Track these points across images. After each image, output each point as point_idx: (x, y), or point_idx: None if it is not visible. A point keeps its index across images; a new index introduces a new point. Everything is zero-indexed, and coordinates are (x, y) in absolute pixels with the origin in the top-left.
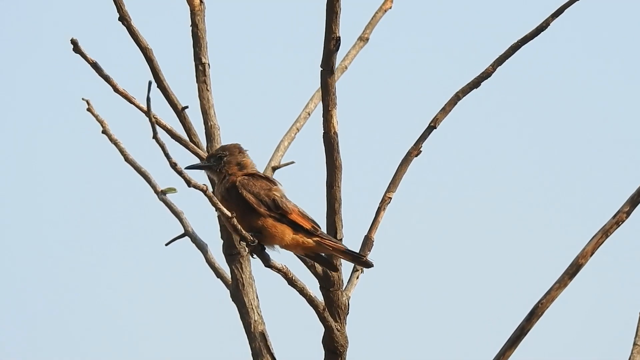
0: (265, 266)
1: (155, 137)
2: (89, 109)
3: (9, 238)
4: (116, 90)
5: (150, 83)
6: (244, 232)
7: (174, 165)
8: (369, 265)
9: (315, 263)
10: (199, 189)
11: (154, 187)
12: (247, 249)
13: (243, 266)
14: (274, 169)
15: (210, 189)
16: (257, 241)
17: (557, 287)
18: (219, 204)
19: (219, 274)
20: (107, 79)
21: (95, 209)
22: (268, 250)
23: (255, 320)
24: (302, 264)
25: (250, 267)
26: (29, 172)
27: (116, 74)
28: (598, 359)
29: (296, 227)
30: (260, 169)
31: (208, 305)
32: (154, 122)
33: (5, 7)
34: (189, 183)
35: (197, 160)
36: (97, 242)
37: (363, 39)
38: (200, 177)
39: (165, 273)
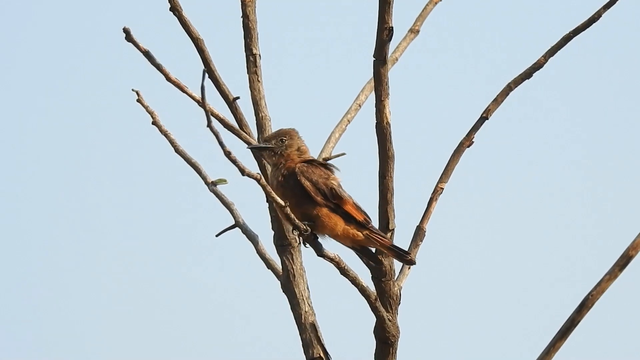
0: (318, 255)
1: (209, 125)
2: (138, 100)
3: (61, 229)
4: (168, 79)
5: (204, 71)
6: (297, 220)
7: (228, 154)
8: (411, 263)
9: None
10: (253, 178)
11: (204, 178)
12: (299, 238)
13: (294, 257)
14: (325, 160)
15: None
16: (310, 230)
17: (608, 279)
18: (273, 192)
19: (269, 265)
20: (159, 67)
21: (145, 200)
22: (320, 239)
23: (305, 311)
24: (354, 253)
25: (301, 258)
26: (80, 164)
27: (167, 65)
28: None
29: (348, 219)
30: None
31: (259, 297)
32: (209, 111)
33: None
34: (242, 172)
35: (249, 150)
36: (148, 234)
37: (414, 31)
38: (253, 167)
39: (216, 264)
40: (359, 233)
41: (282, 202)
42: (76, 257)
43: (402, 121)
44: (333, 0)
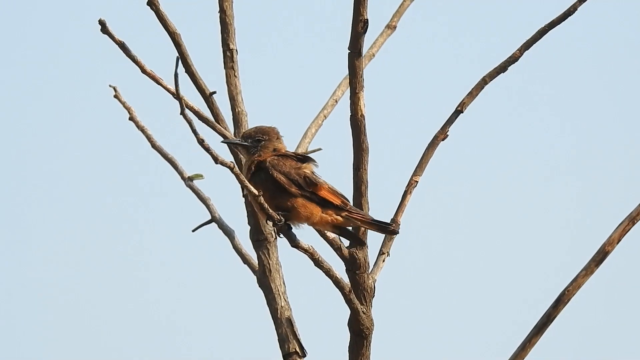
0: (292, 246)
1: (182, 113)
2: (116, 96)
3: (32, 228)
4: (144, 71)
5: (178, 59)
6: (270, 210)
7: (201, 142)
8: (395, 233)
9: (342, 245)
10: (226, 166)
11: (180, 173)
12: (273, 228)
13: (270, 252)
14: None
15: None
16: (284, 220)
17: (584, 275)
18: (246, 181)
19: (246, 260)
20: (134, 59)
21: (121, 195)
22: (295, 230)
23: (281, 306)
24: (329, 246)
25: (277, 253)
26: (55, 159)
27: (146, 59)
28: (624, 346)
29: (325, 205)
30: None
31: (235, 292)
32: (182, 99)
33: None
34: (216, 160)
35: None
36: (124, 229)
37: (390, 27)
38: (227, 157)
39: (192, 259)
40: (338, 217)
41: (256, 192)
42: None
43: (378, 115)
44: None
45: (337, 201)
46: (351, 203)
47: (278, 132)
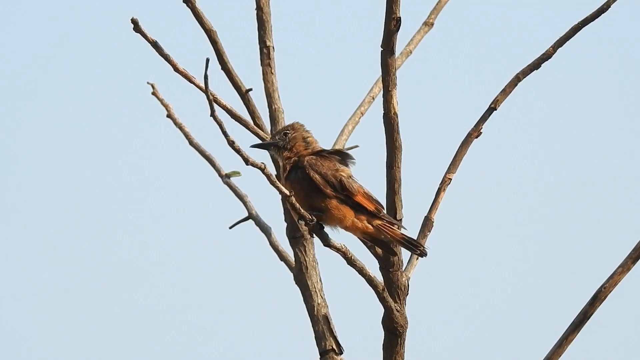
0: (324, 245)
1: (212, 114)
2: (153, 93)
3: (74, 222)
4: (176, 69)
5: (208, 60)
6: (302, 210)
7: (231, 143)
8: (423, 255)
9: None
10: (257, 167)
11: (218, 170)
12: (306, 227)
13: (307, 249)
14: None
15: (273, 170)
16: (315, 220)
17: (620, 272)
18: (277, 182)
19: (282, 257)
20: (167, 58)
21: (159, 192)
22: (327, 230)
23: (318, 303)
24: (362, 244)
25: (314, 250)
26: (94, 157)
27: (179, 56)
28: None
29: (358, 209)
30: None
31: (272, 289)
32: (212, 100)
33: None
34: (246, 161)
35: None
36: (161, 226)
37: (428, 24)
38: (261, 157)
39: (229, 256)
40: (369, 225)
41: (287, 192)
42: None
43: (412, 112)
44: None
45: (370, 207)
46: (385, 207)
47: (302, 125)
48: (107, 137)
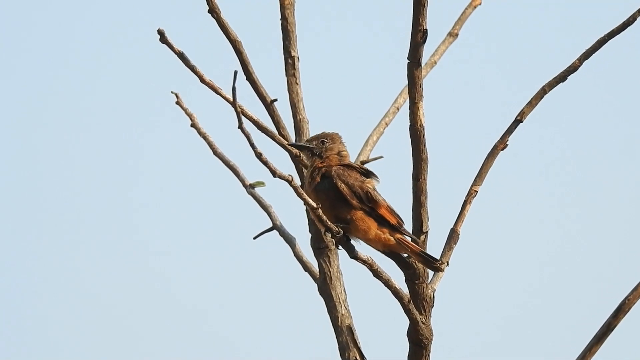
0: (351, 257)
1: (240, 126)
2: (177, 102)
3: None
4: (202, 80)
5: (235, 72)
6: (329, 222)
7: (259, 155)
8: (439, 270)
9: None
10: (284, 179)
11: (242, 180)
12: (332, 239)
13: (331, 260)
14: (363, 163)
15: (298, 180)
16: (342, 232)
17: None
18: (304, 194)
19: (306, 267)
20: (193, 69)
21: (184, 202)
22: (353, 242)
23: (342, 314)
24: (385, 256)
25: (338, 261)
26: (119, 164)
27: (205, 66)
28: None
29: (381, 222)
30: None
31: (296, 299)
32: (240, 112)
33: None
34: (274, 173)
35: (284, 153)
36: (185, 236)
37: (452, 35)
38: (286, 169)
39: (254, 267)
40: (391, 238)
41: (314, 204)
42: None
43: (438, 123)
44: (371, 2)
45: (393, 220)
46: (410, 216)
47: (341, 138)
48: (132, 147)
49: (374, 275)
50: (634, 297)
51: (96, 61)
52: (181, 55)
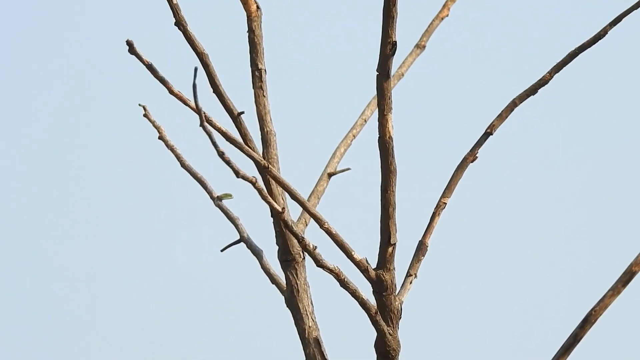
0: (317, 266)
1: (202, 124)
2: (145, 115)
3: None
4: (171, 92)
5: (196, 69)
6: (294, 228)
7: (221, 154)
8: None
9: (369, 267)
10: (248, 181)
11: (209, 193)
12: (299, 247)
13: (298, 272)
14: (330, 175)
15: (262, 184)
16: (306, 239)
17: (611, 295)
18: (269, 197)
19: (274, 280)
20: (162, 80)
21: (150, 214)
22: (320, 250)
23: (309, 327)
24: (356, 267)
25: (305, 273)
26: (83, 177)
27: (172, 77)
28: None
29: None
30: (316, 175)
31: (263, 312)
32: (201, 110)
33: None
34: (237, 174)
35: (251, 164)
36: (151, 247)
37: (420, 47)
38: (250, 170)
39: (221, 279)
40: None
41: (279, 208)
42: (78, 271)
43: (407, 135)
44: (339, 15)
45: None
46: (375, 231)
47: None
48: (95, 157)
49: (341, 285)
50: (601, 308)
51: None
52: (150, 67)
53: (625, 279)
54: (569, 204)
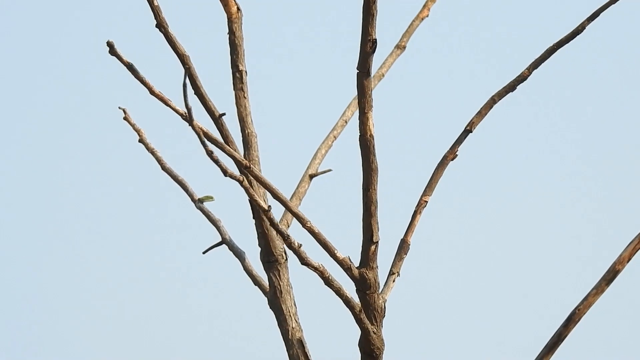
0: (302, 264)
1: (191, 124)
2: (125, 118)
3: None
4: (152, 92)
5: (186, 70)
6: (280, 226)
7: (210, 154)
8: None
9: (352, 265)
10: (236, 179)
11: (191, 195)
12: (283, 245)
13: (281, 273)
14: (311, 176)
15: (247, 181)
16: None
17: (594, 293)
18: (255, 195)
19: (256, 281)
20: (142, 81)
21: (131, 217)
22: (304, 248)
23: (293, 327)
24: (339, 266)
25: (288, 274)
26: (64, 181)
27: (154, 79)
28: None
29: None
30: (297, 177)
31: (246, 313)
32: (190, 109)
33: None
34: (225, 172)
35: (233, 164)
36: (133, 251)
37: (400, 47)
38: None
39: (204, 281)
40: None
41: (265, 206)
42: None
43: (388, 135)
44: (319, 16)
45: None
46: (358, 230)
47: None
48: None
49: (325, 283)
50: (584, 307)
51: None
52: (130, 67)
53: (608, 277)
54: (551, 201)
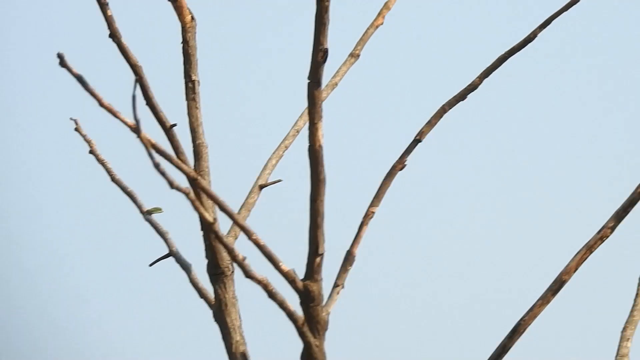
0: (246, 276)
1: (139, 136)
2: (76, 129)
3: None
4: (101, 104)
5: (136, 80)
6: (225, 239)
7: (157, 166)
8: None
9: (296, 278)
10: (182, 192)
11: (139, 207)
12: (228, 260)
13: (227, 286)
14: (261, 187)
15: (193, 194)
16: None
17: (540, 304)
18: (201, 208)
19: (202, 294)
20: (92, 92)
21: (78, 228)
22: (248, 261)
23: (237, 341)
24: (284, 278)
25: (234, 287)
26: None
27: (107, 92)
28: None
29: None
30: (248, 187)
31: (191, 326)
32: (139, 121)
33: None
34: (171, 185)
35: (183, 177)
36: (79, 262)
37: (354, 55)
38: (184, 180)
39: (150, 293)
40: None
41: (210, 219)
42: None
43: (337, 145)
44: (271, 26)
45: None
46: (304, 241)
47: None
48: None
49: (269, 296)
50: (530, 318)
51: None
52: (80, 79)
53: (555, 287)
54: (498, 211)
